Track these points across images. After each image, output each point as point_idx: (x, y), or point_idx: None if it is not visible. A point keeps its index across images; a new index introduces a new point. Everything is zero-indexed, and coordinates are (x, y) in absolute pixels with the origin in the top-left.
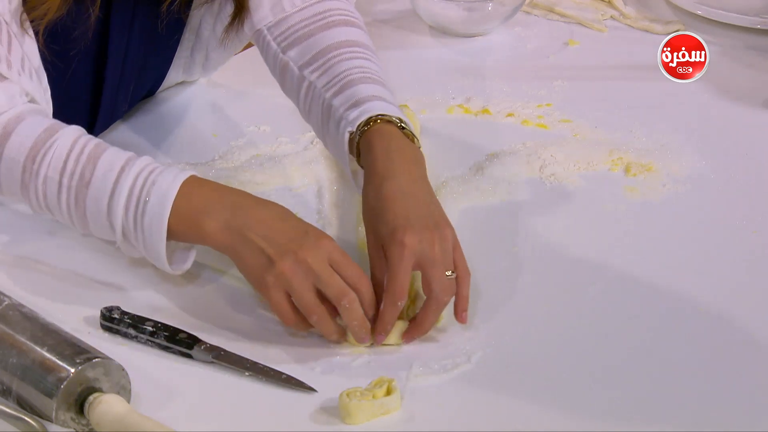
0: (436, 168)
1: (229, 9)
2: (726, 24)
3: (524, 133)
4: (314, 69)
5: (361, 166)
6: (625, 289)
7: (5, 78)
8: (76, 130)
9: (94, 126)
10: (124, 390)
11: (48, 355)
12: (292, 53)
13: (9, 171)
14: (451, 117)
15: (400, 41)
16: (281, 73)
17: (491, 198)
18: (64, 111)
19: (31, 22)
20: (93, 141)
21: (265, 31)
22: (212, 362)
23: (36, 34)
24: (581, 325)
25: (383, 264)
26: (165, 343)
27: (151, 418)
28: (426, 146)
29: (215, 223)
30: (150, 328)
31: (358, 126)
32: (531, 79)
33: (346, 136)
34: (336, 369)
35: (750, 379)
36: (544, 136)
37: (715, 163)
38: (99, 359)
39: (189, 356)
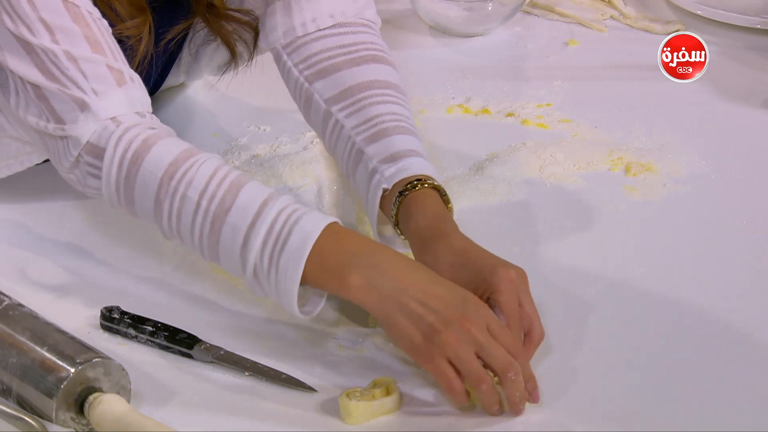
0: (436, 168)
1: (224, 54)
2: (726, 24)
3: (524, 133)
4: (343, 108)
5: (395, 220)
6: (626, 289)
7: (125, 81)
8: (218, 158)
9: None
10: (124, 390)
11: (48, 354)
12: (318, 85)
13: (144, 185)
14: (451, 117)
15: (400, 41)
16: (306, 103)
17: (491, 198)
18: None
19: None
20: (236, 170)
21: (283, 54)
22: (212, 362)
23: None
24: (581, 325)
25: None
26: (165, 343)
27: (151, 417)
28: (426, 146)
29: (360, 279)
30: (150, 328)
31: (398, 184)
32: (531, 79)
33: (380, 192)
34: (336, 369)
35: (751, 379)
36: (544, 136)
37: (715, 163)
38: (99, 359)
39: (189, 356)
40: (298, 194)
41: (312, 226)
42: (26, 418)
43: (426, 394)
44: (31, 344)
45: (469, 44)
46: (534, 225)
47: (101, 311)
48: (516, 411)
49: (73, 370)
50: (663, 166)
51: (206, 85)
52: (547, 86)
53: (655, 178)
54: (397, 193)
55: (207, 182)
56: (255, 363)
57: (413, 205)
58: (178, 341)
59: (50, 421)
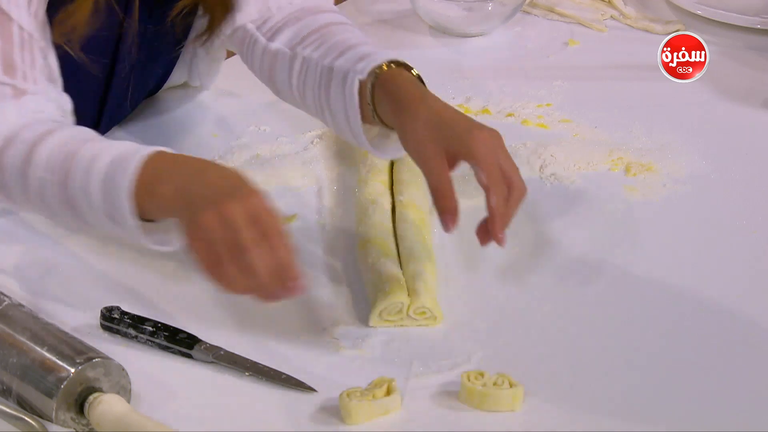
0: None
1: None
2: (726, 24)
3: (524, 133)
4: (308, 44)
5: (375, 113)
6: (625, 289)
7: (24, 92)
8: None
9: (98, 127)
10: (124, 390)
11: (48, 354)
12: (281, 38)
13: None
14: None
15: (400, 41)
16: (270, 63)
17: None
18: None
19: (65, 35)
20: (80, 134)
21: (253, 29)
22: (212, 362)
23: (69, 44)
24: (581, 325)
25: (445, 170)
26: (165, 343)
27: (151, 418)
28: None
29: (167, 187)
30: (150, 328)
31: (370, 72)
32: (531, 79)
33: (356, 84)
34: (336, 369)
35: (751, 379)
36: (544, 136)
37: (715, 162)
38: (99, 359)
39: (189, 356)
40: (298, 194)
41: (134, 157)
42: (26, 418)
43: (427, 394)
44: (31, 344)
45: (469, 44)
46: (534, 225)
47: (101, 311)
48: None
49: (73, 370)
50: (663, 166)
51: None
52: (547, 86)
53: (655, 178)
54: (372, 79)
55: (51, 156)
56: (255, 363)
57: (387, 83)
58: (178, 341)
59: (50, 421)
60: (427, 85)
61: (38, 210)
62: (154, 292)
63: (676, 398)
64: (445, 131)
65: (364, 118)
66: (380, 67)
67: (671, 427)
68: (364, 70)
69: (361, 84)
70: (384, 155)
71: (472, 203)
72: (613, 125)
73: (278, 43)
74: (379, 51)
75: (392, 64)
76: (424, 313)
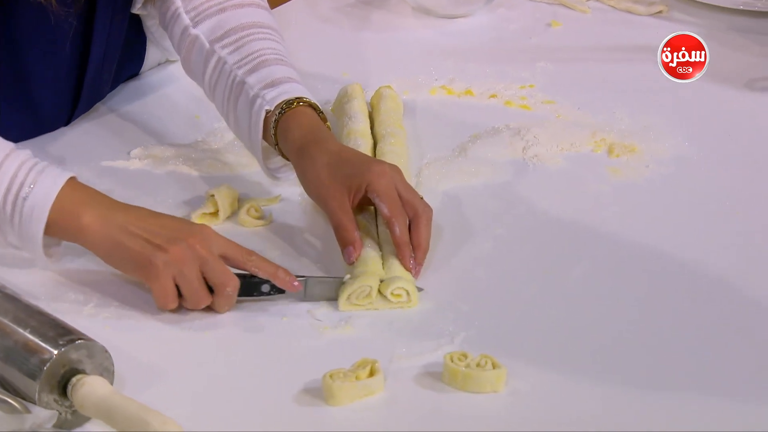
0: (419, 149)
1: None
2: (709, 5)
3: (507, 114)
4: (225, 45)
5: (276, 145)
6: (609, 271)
7: None
8: None
9: (77, 106)
10: (107, 372)
11: (31, 336)
12: (203, 27)
13: None
14: (434, 98)
15: (383, 23)
16: (188, 47)
17: (474, 179)
18: (47, 92)
19: None
20: None
21: (178, 2)
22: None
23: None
24: (564, 306)
25: (345, 206)
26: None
27: (135, 399)
28: (409, 127)
29: (93, 216)
30: None
31: (278, 106)
32: (514, 61)
33: (262, 114)
34: (319, 350)
35: (735, 353)
36: (527, 118)
37: (698, 144)
38: (82, 341)
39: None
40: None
41: (56, 176)
42: (9, 400)
43: (410, 375)
44: (14, 326)
45: (452, 26)
46: (517, 206)
47: None
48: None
49: (56, 352)
50: (646, 148)
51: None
52: (530, 68)
53: (638, 160)
54: (277, 113)
55: None
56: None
57: (290, 120)
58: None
59: (33, 403)
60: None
61: None
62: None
63: (661, 379)
64: (344, 169)
65: (265, 139)
66: (288, 102)
67: (655, 407)
68: (273, 101)
69: (267, 114)
70: (275, 176)
71: (454, 185)
72: (596, 107)
73: (199, 30)
74: (290, 79)
75: (299, 102)
76: (399, 295)
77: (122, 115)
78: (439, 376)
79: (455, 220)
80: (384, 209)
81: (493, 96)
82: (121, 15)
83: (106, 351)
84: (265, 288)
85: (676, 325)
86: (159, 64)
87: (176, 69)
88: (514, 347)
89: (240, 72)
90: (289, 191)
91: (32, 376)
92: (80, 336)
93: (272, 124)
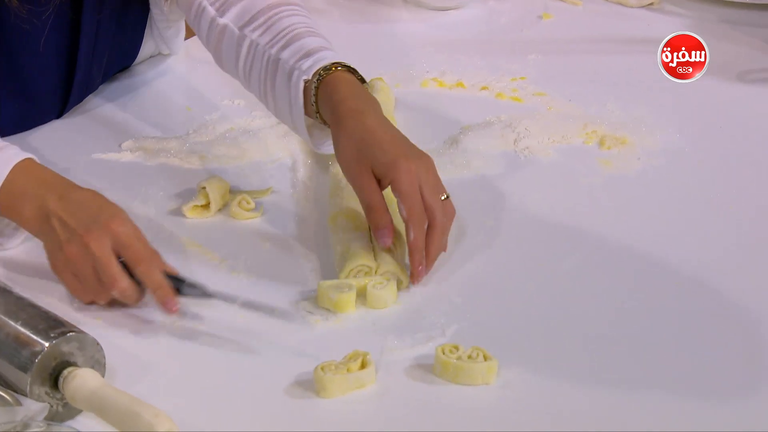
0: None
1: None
2: None
3: (498, 106)
4: (255, 27)
5: (317, 114)
6: (600, 262)
7: None
8: None
9: (68, 99)
10: (98, 364)
11: (22, 329)
12: (230, 15)
13: None
14: (425, 90)
15: (374, 15)
16: (218, 38)
17: (466, 171)
18: (37, 84)
19: None
20: None
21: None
22: (203, 295)
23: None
24: (555, 298)
25: (374, 186)
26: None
27: (126, 392)
28: (400, 120)
29: (32, 209)
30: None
31: (315, 73)
32: (505, 53)
33: (301, 84)
34: (310, 343)
35: (725, 347)
36: (519, 110)
37: (689, 136)
38: (73, 333)
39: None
40: (272, 168)
41: (4, 161)
42: (1, 393)
43: (401, 367)
44: (5, 319)
45: (444, 18)
46: (508, 198)
47: None
48: (164, 305)
49: (47, 345)
50: (637, 140)
51: (181, 59)
52: (522, 60)
53: (630, 152)
54: (315, 81)
55: None
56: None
57: (329, 87)
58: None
59: (25, 395)
60: (401, 59)
61: None
62: None
63: (652, 371)
64: (374, 153)
65: (306, 112)
66: (326, 69)
67: (645, 399)
68: (309, 70)
69: (306, 84)
70: (321, 150)
71: (445, 177)
72: (587, 99)
73: (227, 19)
74: (324, 47)
75: (337, 66)
76: (388, 278)
77: (114, 107)
78: (431, 369)
79: None
80: (403, 211)
81: (484, 88)
82: (110, 8)
83: (98, 343)
84: (189, 291)
85: (667, 317)
86: (151, 57)
87: (168, 61)
88: (505, 340)
89: (273, 50)
90: (280, 183)
91: (23, 368)
92: (72, 328)
93: (312, 93)
